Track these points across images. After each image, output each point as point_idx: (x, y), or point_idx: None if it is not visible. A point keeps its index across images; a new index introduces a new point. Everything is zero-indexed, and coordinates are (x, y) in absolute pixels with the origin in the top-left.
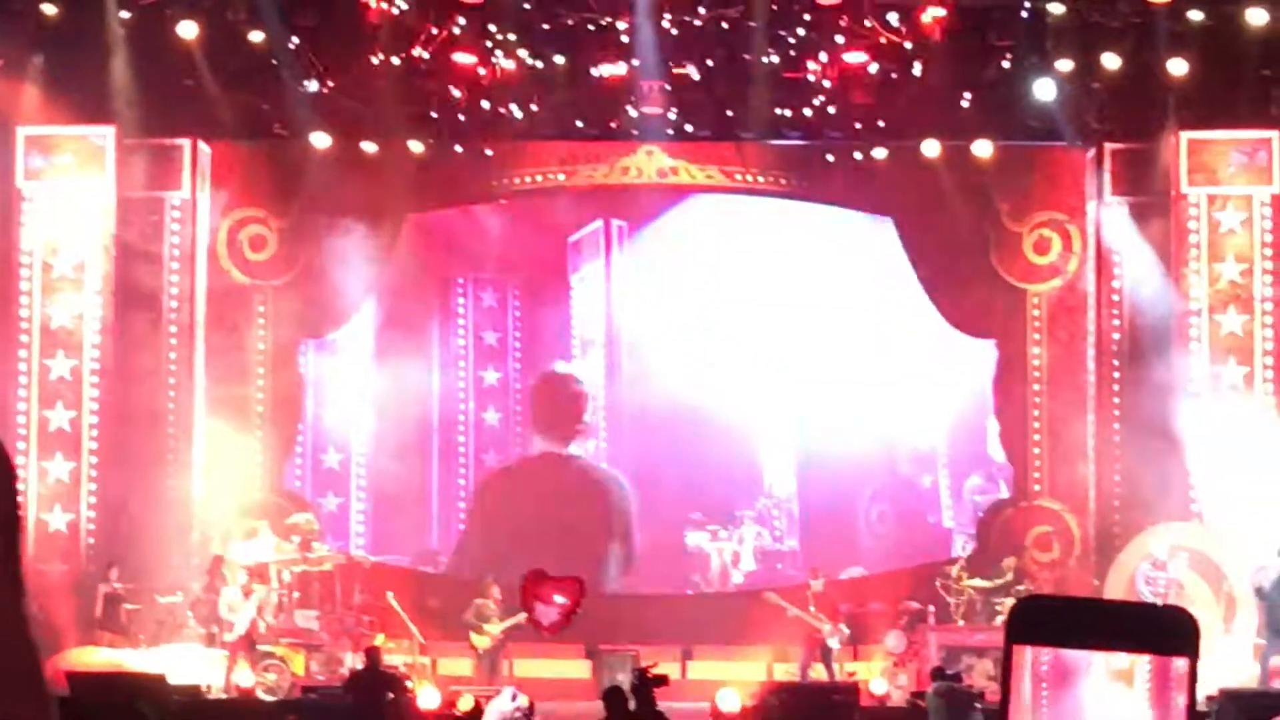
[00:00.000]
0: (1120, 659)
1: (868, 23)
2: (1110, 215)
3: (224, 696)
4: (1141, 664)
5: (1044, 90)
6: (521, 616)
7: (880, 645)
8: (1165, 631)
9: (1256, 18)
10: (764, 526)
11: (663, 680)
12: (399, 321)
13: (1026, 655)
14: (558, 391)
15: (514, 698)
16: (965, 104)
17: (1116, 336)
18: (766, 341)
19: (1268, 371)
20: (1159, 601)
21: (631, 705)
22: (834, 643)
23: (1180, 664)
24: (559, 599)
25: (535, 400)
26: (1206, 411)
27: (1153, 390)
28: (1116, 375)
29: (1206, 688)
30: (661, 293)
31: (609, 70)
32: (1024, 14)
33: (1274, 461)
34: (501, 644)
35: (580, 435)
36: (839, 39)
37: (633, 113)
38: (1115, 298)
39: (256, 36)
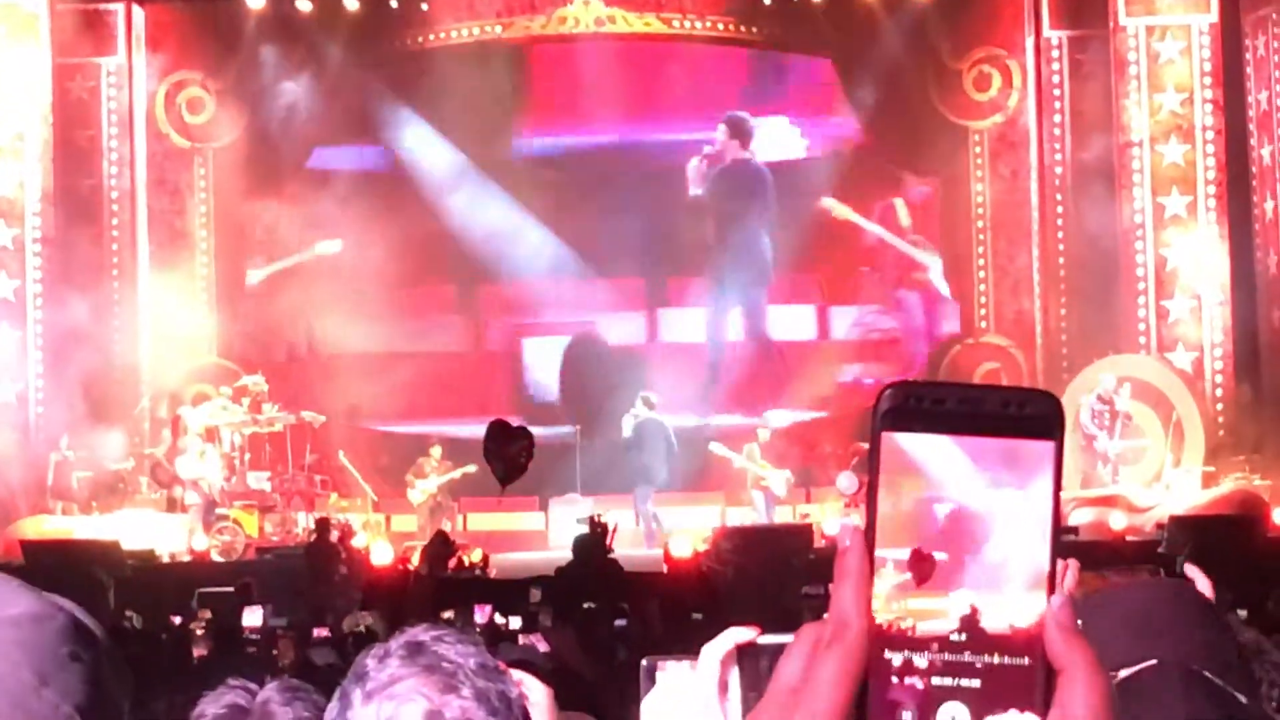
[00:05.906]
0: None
1: None
2: (1049, 49)
3: (178, 560)
4: (1007, 447)
5: None
6: (457, 473)
7: (832, 487)
8: (1031, 415)
9: None
10: None
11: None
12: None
13: (895, 442)
14: None
15: None
16: None
17: (1059, 170)
18: None
19: (1210, 201)
20: (1105, 433)
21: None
22: (778, 490)
23: (1046, 447)
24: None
25: None
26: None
27: (1096, 223)
28: (1060, 210)
29: (1157, 515)
30: None
31: None
32: None
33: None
34: (438, 501)
35: None
36: None
37: None
38: (1056, 132)
39: None
